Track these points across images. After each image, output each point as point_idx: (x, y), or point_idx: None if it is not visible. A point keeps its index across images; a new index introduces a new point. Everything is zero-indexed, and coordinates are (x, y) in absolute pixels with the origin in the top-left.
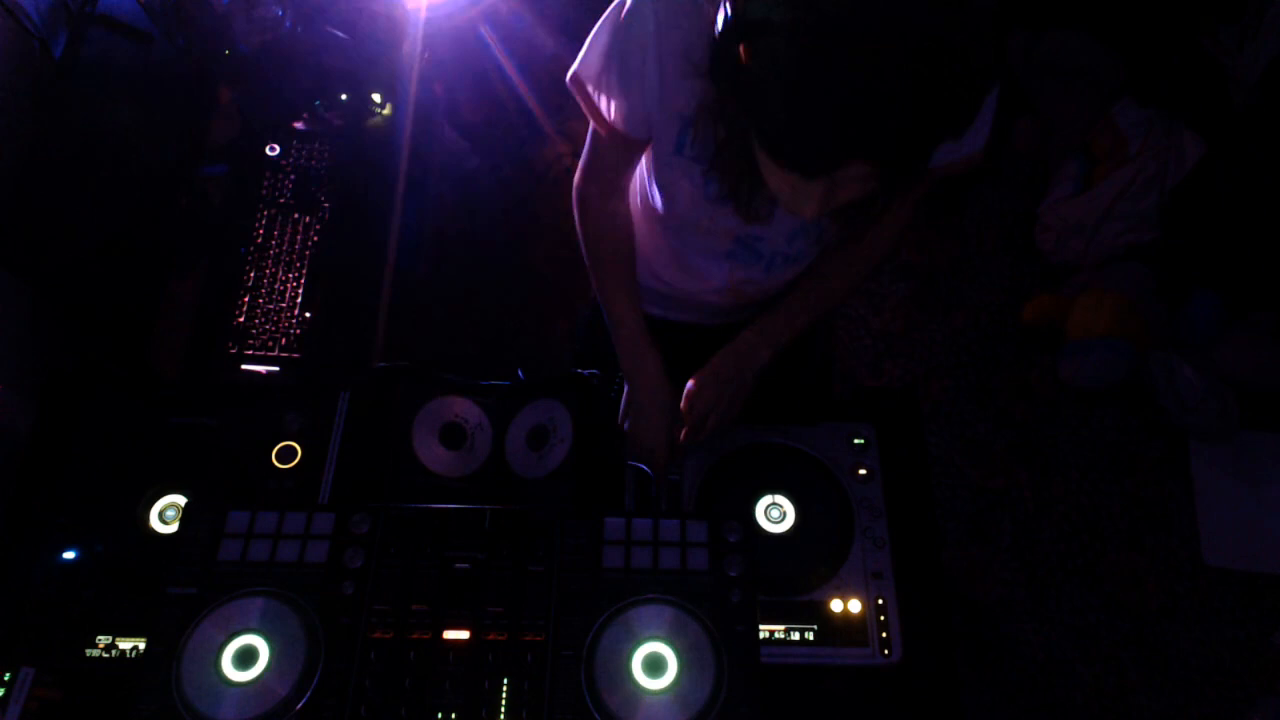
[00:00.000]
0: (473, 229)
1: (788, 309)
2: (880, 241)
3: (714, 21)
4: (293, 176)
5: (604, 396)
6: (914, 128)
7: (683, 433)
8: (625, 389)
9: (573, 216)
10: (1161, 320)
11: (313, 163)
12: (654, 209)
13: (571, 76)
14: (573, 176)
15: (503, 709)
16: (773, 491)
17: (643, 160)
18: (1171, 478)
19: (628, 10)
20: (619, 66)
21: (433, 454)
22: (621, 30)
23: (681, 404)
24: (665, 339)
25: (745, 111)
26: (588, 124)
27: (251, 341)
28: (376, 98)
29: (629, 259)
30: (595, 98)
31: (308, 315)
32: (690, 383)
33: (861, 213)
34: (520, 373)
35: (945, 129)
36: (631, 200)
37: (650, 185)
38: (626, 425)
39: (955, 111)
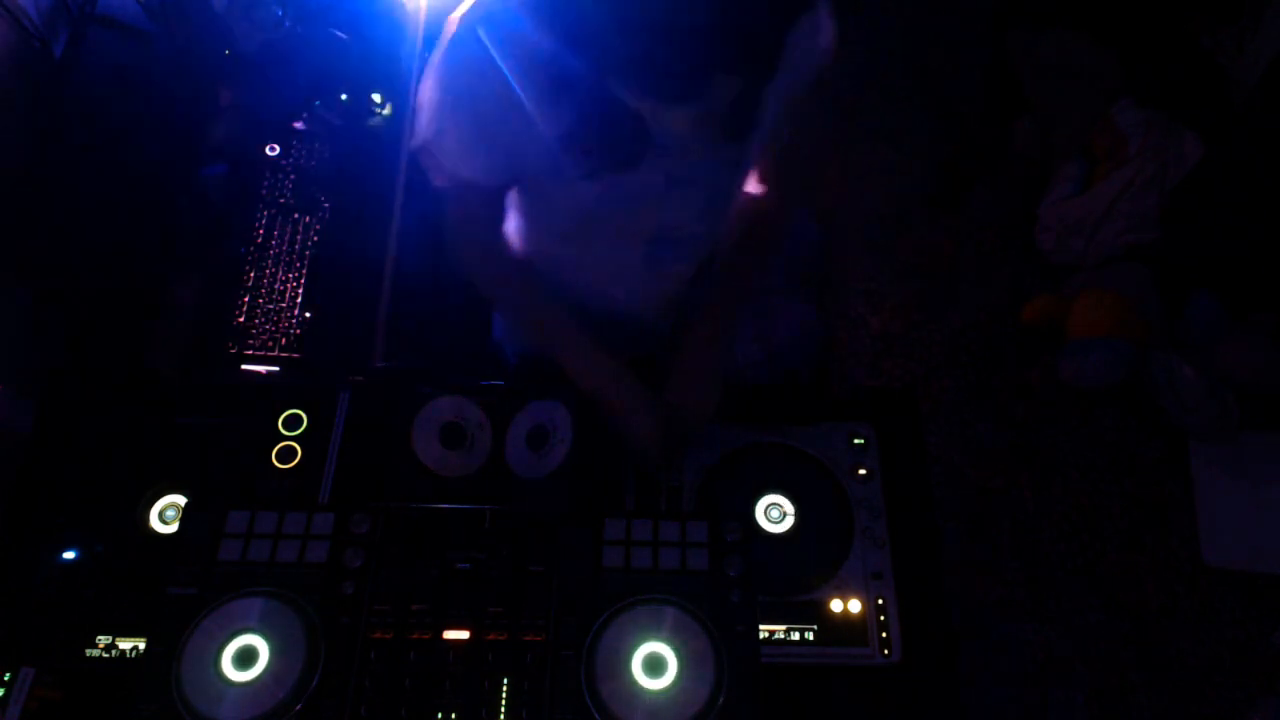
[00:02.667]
0: None
1: (725, 284)
2: (785, 191)
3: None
4: (293, 176)
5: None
6: (750, 21)
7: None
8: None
9: (472, 288)
10: (1161, 320)
11: (313, 163)
12: (559, 244)
13: (415, 145)
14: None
15: (503, 709)
16: (773, 491)
17: (529, 215)
18: (1171, 478)
19: (443, 62)
20: (461, 124)
21: (433, 454)
22: (448, 83)
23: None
24: None
25: (604, 72)
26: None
27: (251, 341)
28: (376, 98)
29: (545, 292)
30: (444, 160)
31: (308, 315)
32: (666, 399)
33: (735, 126)
34: (520, 373)
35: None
36: (531, 253)
37: (546, 226)
38: (614, 433)
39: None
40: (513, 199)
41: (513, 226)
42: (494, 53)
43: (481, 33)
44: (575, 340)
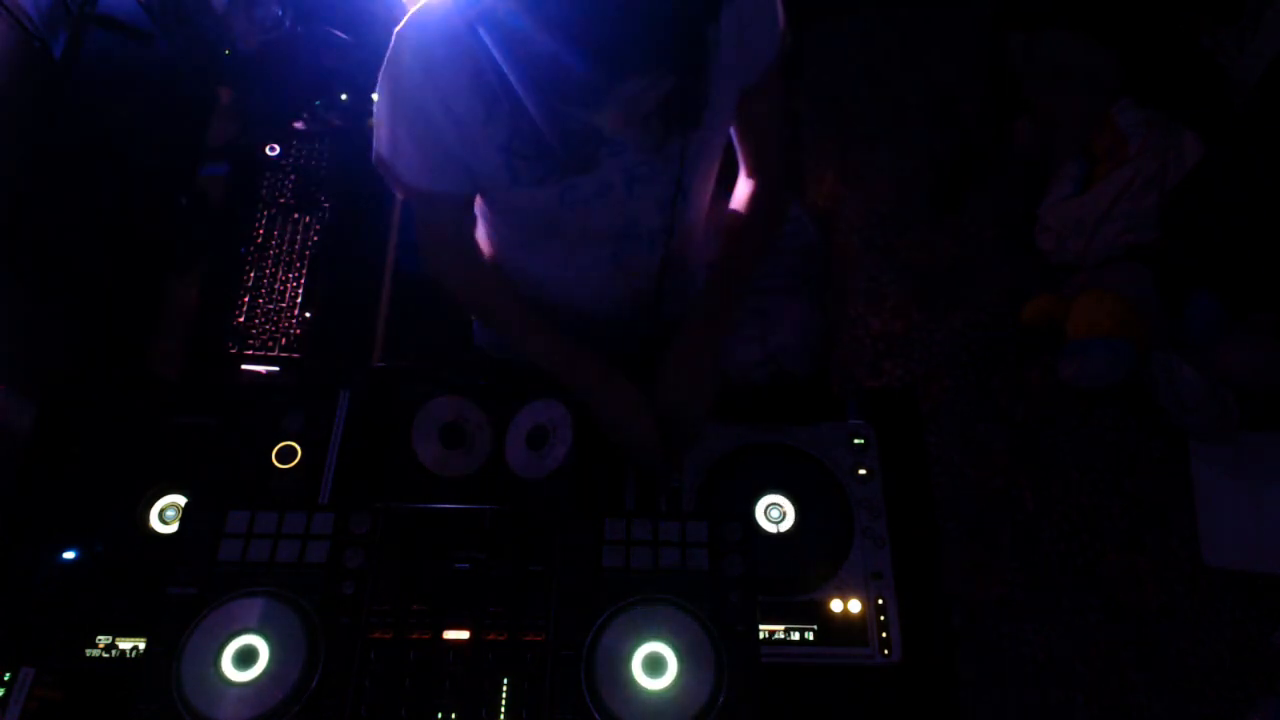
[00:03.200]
0: None
1: (712, 290)
2: (768, 194)
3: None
4: (293, 176)
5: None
6: (661, 25)
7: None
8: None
9: (449, 296)
10: (1161, 320)
11: (313, 163)
12: (525, 248)
13: (375, 158)
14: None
15: (503, 709)
16: (773, 491)
17: (493, 222)
18: (1171, 478)
19: (389, 77)
20: (414, 134)
21: (433, 454)
22: (398, 98)
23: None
24: None
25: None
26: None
27: (251, 341)
28: (376, 98)
29: (519, 297)
30: (401, 170)
31: (308, 315)
32: (658, 406)
33: (681, 115)
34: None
35: (672, 27)
36: (500, 257)
37: (511, 231)
38: (605, 433)
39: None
40: (479, 205)
41: (481, 233)
42: (433, 65)
43: (419, 45)
44: (557, 345)
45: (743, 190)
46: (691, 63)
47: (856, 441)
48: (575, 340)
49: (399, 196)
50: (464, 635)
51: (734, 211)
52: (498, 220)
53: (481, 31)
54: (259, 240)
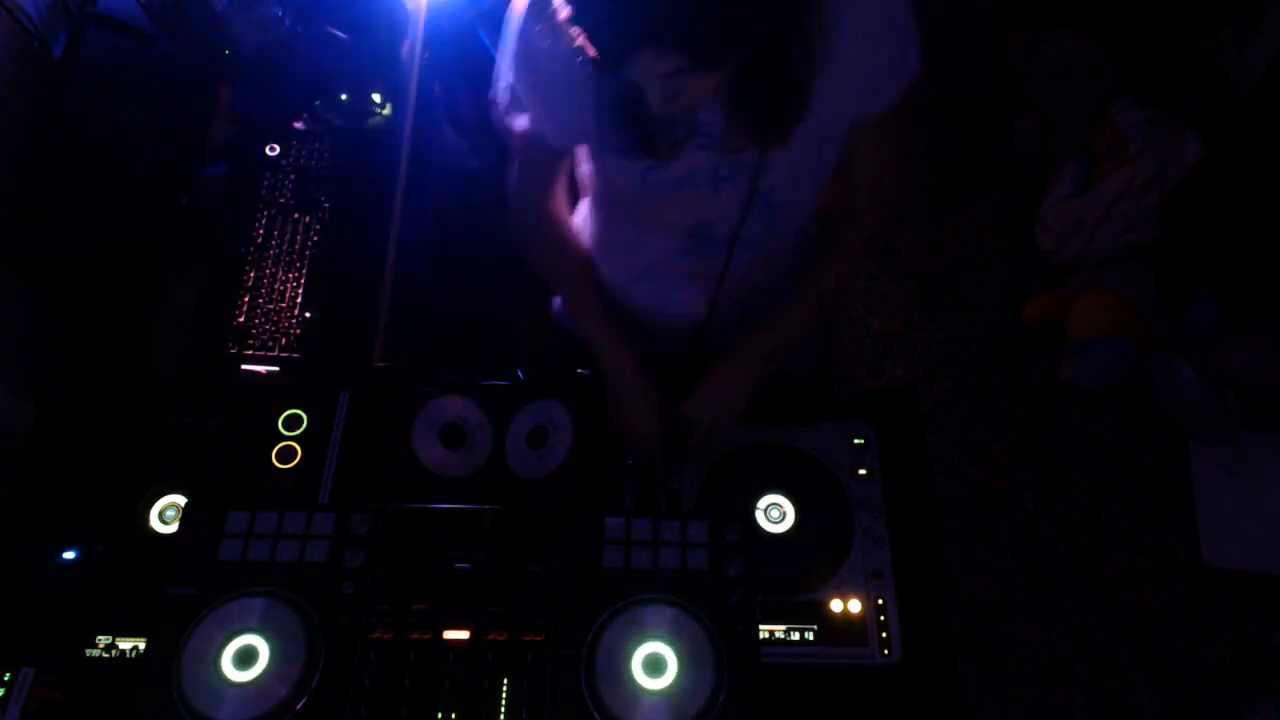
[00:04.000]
0: (473, 229)
1: (775, 318)
2: (856, 232)
3: None
4: (293, 176)
5: (604, 396)
6: (690, 9)
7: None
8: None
9: (524, 249)
10: (1161, 320)
11: (313, 163)
12: (605, 218)
13: (493, 94)
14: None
15: (503, 709)
16: (773, 491)
17: (585, 180)
18: (1171, 478)
19: (516, 31)
20: (527, 80)
21: (433, 454)
22: (517, 36)
23: (683, 423)
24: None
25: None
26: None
27: (251, 341)
28: (376, 98)
29: (578, 259)
30: (512, 112)
31: (308, 315)
32: (687, 409)
33: (769, 124)
34: (520, 373)
35: (735, 8)
36: (582, 220)
37: (597, 195)
38: (612, 419)
39: None
40: (583, 176)
41: (579, 210)
42: (547, 7)
43: None
44: (594, 315)
45: (829, 226)
46: (725, 57)
47: (856, 441)
48: (613, 320)
49: (506, 139)
50: (464, 635)
51: (816, 246)
52: (591, 184)
53: None
54: (259, 240)
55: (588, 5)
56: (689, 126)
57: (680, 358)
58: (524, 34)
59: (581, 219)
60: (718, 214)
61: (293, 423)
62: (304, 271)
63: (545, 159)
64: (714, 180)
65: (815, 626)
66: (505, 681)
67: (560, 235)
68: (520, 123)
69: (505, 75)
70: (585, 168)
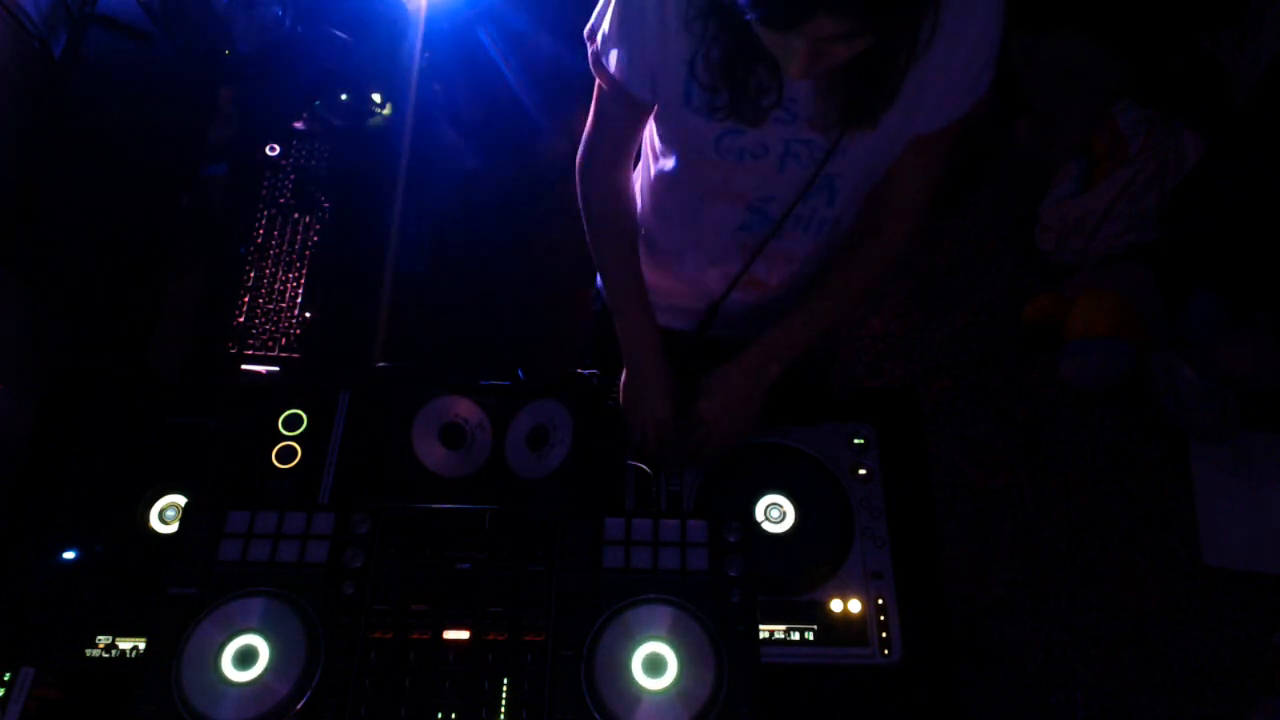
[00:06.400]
0: (473, 229)
1: (792, 321)
2: (890, 242)
3: None
4: (293, 176)
5: (604, 397)
6: None
7: (691, 451)
8: (625, 368)
9: (576, 192)
10: (1161, 320)
11: (313, 163)
12: (668, 182)
13: (587, 31)
14: (576, 159)
15: (503, 709)
16: (773, 491)
17: (653, 142)
18: (1171, 478)
19: None
20: (622, 19)
21: (433, 454)
22: None
23: (691, 421)
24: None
25: None
26: (588, 110)
27: (251, 341)
28: (376, 98)
29: (629, 232)
30: (603, 52)
31: (308, 315)
32: (696, 409)
33: (862, 105)
34: (520, 373)
35: None
36: (643, 183)
37: (663, 157)
38: (623, 402)
39: None
40: (648, 142)
41: (637, 173)
42: None
43: None
44: (636, 301)
45: (863, 232)
46: (892, 32)
47: (856, 441)
48: (648, 301)
49: (596, 78)
50: (464, 635)
51: (843, 251)
52: (660, 140)
53: None
54: (259, 240)
55: None
56: (776, 96)
57: (680, 337)
58: None
59: (640, 186)
60: (781, 190)
61: (293, 423)
62: (304, 271)
63: (622, 113)
64: (784, 155)
65: (815, 626)
66: (505, 681)
67: (618, 201)
68: (608, 65)
69: (601, 15)
70: (654, 131)
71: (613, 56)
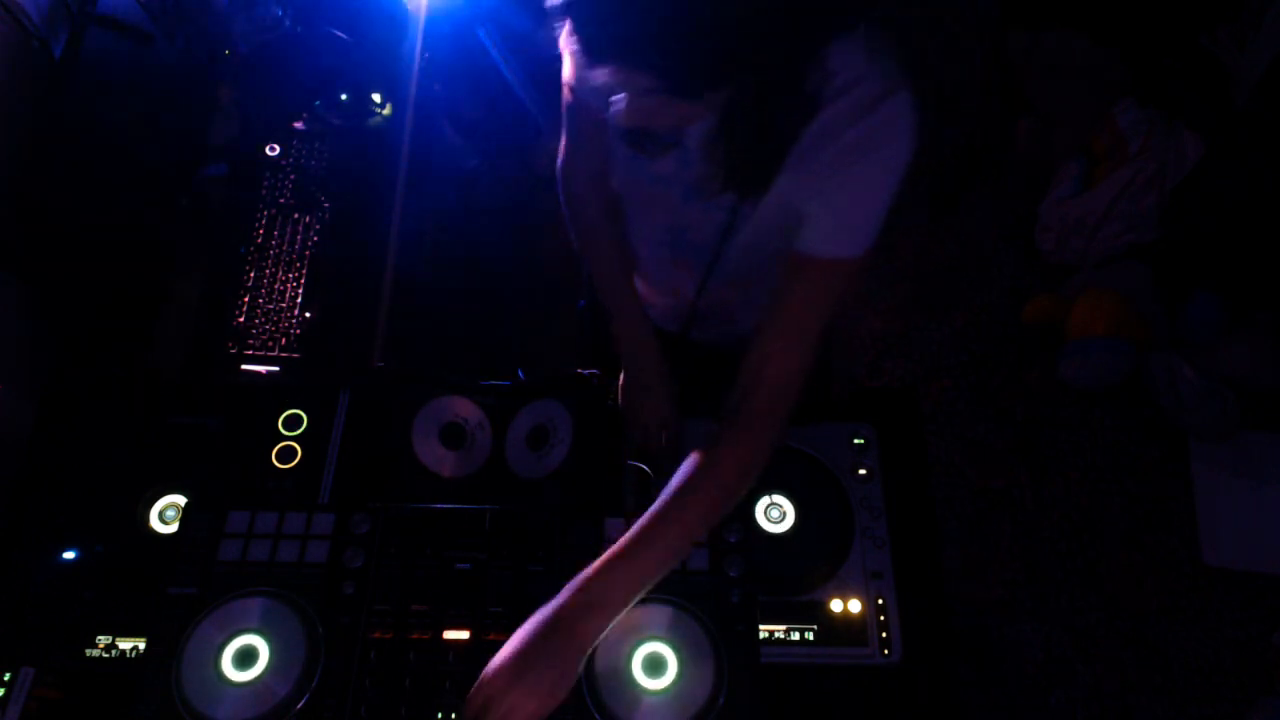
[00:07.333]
0: (473, 229)
1: (622, 551)
2: (745, 448)
3: None
4: (293, 176)
5: (604, 397)
6: (657, 34)
7: None
8: (623, 371)
9: (559, 201)
10: (1161, 320)
11: (313, 163)
12: (621, 202)
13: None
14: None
15: None
16: (773, 491)
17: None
18: (1171, 478)
19: None
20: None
21: (433, 454)
22: None
23: (470, 695)
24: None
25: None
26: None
27: (251, 341)
28: (376, 98)
29: (615, 236)
30: (562, 58)
31: (308, 315)
32: (488, 667)
33: (741, 171)
34: (520, 373)
35: (705, 36)
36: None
37: (615, 184)
38: (623, 404)
39: (701, 17)
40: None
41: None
42: None
43: None
44: (627, 298)
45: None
46: (704, 92)
47: (856, 441)
48: (639, 302)
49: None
50: (464, 635)
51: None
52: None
53: None
54: (259, 240)
55: (578, 2)
56: (674, 134)
57: (665, 339)
58: None
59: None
60: (689, 224)
61: (293, 423)
62: (304, 271)
63: (584, 119)
64: (687, 193)
65: (815, 626)
66: None
67: (599, 206)
68: (564, 71)
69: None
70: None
71: (567, 62)
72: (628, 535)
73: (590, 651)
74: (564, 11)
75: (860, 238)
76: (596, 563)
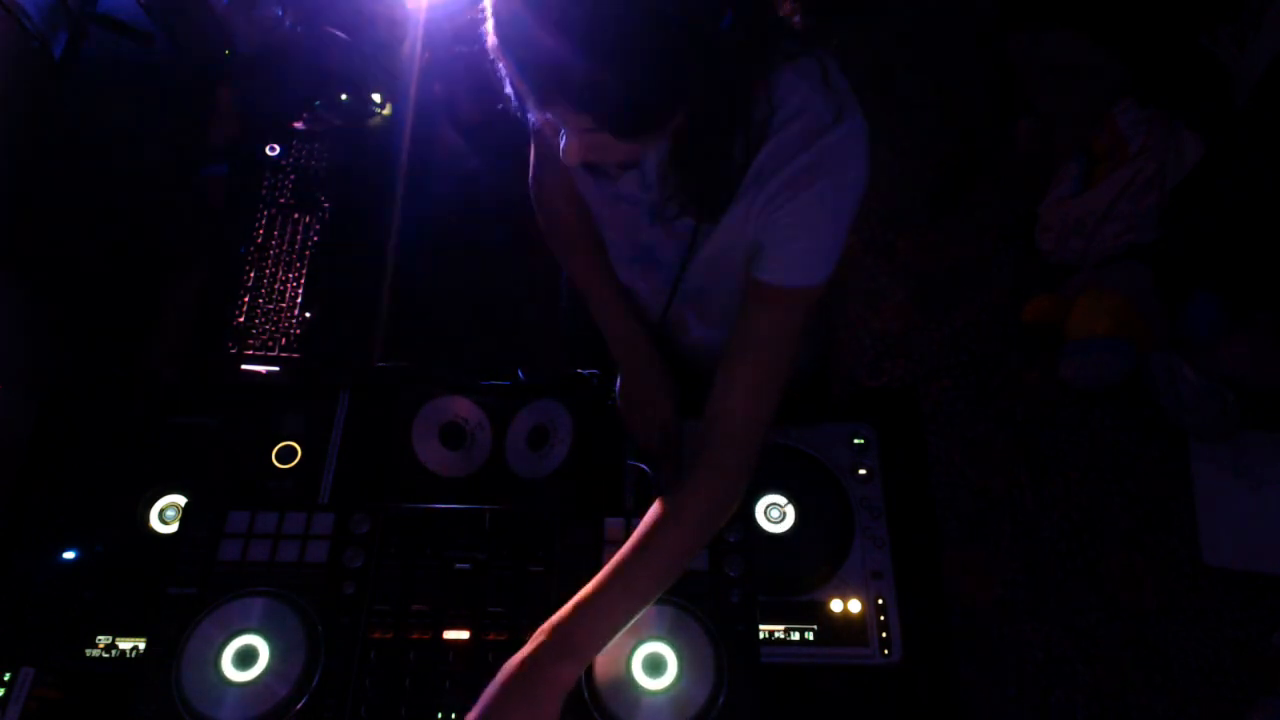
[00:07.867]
0: (473, 229)
1: (590, 597)
2: (718, 458)
3: None
4: (293, 176)
5: (604, 397)
6: (596, 81)
7: None
8: (620, 373)
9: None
10: (1161, 320)
11: (313, 163)
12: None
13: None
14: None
15: None
16: (773, 491)
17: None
18: (1171, 478)
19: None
20: None
21: (433, 454)
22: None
23: None
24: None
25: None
26: None
27: (251, 341)
28: (376, 98)
29: (596, 244)
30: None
31: (308, 315)
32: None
33: (697, 197)
34: (520, 373)
35: (642, 77)
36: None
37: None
38: (621, 405)
39: (637, 60)
40: None
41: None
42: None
43: None
44: (614, 301)
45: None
46: (644, 134)
47: (856, 441)
48: (629, 304)
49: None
50: (464, 635)
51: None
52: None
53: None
54: (259, 240)
55: (514, 42)
56: (629, 163)
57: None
58: None
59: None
60: (654, 244)
61: (293, 423)
62: (304, 271)
63: (546, 138)
64: (651, 214)
65: (815, 626)
66: None
67: (568, 215)
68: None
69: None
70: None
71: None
72: (596, 579)
73: (572, 687)
74: (503, 55)
75: (815, 266)
76: (565, 607)
